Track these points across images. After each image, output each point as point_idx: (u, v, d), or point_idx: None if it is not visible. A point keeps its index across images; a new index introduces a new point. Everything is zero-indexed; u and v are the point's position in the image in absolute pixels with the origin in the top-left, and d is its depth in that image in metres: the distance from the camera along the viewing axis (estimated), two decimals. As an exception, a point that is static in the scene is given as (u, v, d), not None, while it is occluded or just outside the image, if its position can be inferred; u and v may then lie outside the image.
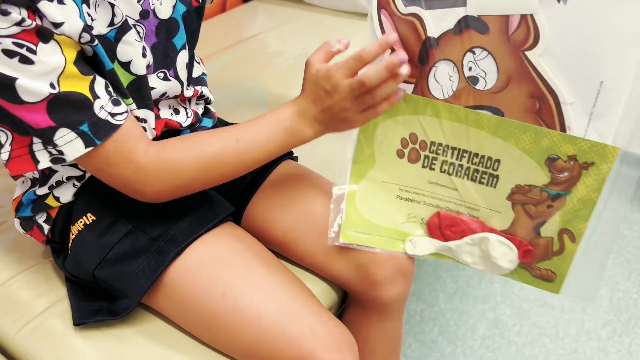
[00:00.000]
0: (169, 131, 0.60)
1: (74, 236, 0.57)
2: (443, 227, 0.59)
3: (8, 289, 0.60)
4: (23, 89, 0.45)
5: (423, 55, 0.53)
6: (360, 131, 0.57)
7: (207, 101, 0.67)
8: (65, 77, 0.46)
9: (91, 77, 0.48)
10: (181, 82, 0.58)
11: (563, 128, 0.51)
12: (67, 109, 0.46)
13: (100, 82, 0.48)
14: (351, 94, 0.50)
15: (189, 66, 0.60)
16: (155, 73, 0.56)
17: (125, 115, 0.49)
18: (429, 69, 0.54)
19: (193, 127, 0.63)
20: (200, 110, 0.65)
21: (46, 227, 0.60)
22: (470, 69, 0.52)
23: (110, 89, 0.50)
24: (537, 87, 0.50)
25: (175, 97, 0.59)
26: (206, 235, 0.56)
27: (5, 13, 0.42)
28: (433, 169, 0.57)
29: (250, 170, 0.56)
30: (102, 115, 0.48)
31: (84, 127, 0.47)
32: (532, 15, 0.49)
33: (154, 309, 0.58)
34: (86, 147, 0.47)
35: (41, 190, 0.57)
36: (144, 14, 0.53)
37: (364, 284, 0.60)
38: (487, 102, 0.53)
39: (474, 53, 0.52)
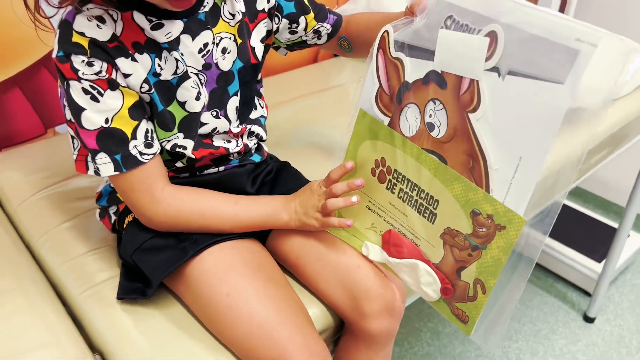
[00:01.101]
0: (220, 157, 0.73)
1: (125, 225, 0.72)
2: (391, 244, 0.67)
3: (83, 260, 0.75)
4: (86, 118, 0.60)
5: (399, 95, 0.62)
6: (350, 144, 0.68)
7: (260, 138, 0.78)
8: (118, 117, 0.61)
9: (137, 122, 0.62)
10: (229, 121, 0.71)
11: (488, 189, 0.56)
12: (110, 140, 0.61)
13: (142, 128, 0.63)
14: (322, 195, 0.66)
15: (239, 109, 0.72)
16: (210, 111, 0.69)
17: (151, 156, 0.63)
18: (401, 108, 0.62)
19: (242, 156, 0.75)
20: (251, 144, 0.76)
21: (113, 218, 0.75)
22: (430, 116, 0.60)
23: (149, 134, 0.64)
24: (473, 148, 0.56)
25: (225, 132, 0.72)
26: (224, 243, 0.67)
27: (91, 64, 0.58)
28: (393, 193, 0.65)
29: (240, 232, 0.69)
30: (134, 152, 0.62)
31: (117, 157, 0.62)
32: (478, 82, 0.54)
33: (179, 297, 0.70)
34: (115, 170, 0.62)
35: None
36: (207, 66, 0.67)
37: (355, 315, 0.67)
38: (437, 149, 0.60)
39: (434, 103, 0.59)
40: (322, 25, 0.77)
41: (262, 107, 0.79)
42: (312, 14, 0.76)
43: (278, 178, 0.79)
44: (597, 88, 0.49)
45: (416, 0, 0.60)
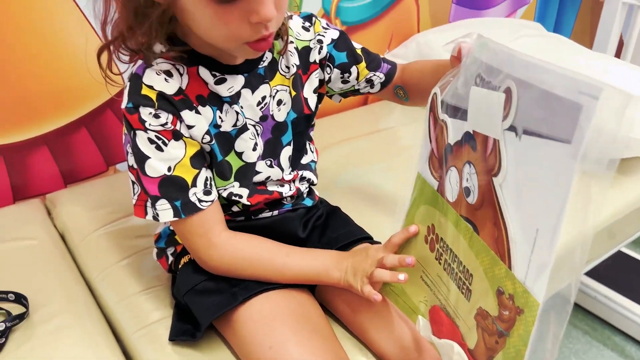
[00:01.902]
0: (274, 201, 0.74)
1: (181, 266, 0.74)
2: (434, 321, 0.62)
3: (138, 298, 0.78)
4: (150, 166, 0.63)
5: (444, 158, 0.59)
6: (409, 207, 0.65)
7: (311, 182, 0.79)
8: (180, 166, 0.64)
9: (197, 171, 0.65)
10: (282, 169, 0.73)
11: (510, 264, 0.49)
12: (171, 187, 0.63)
13: (202, 176, 0.65)
14: (375, 263, 0.65)
15: (292, 158, 0.74)
16: (264, 160, 0.71)
17: (209, 203, 0.65)
18: (446, 171, 0.59)
19: (295, 200, 0.76)
20: (303, 188, 0.77)
21: (171, 259, 0.76)
22: (466, 180, 0.55)
23: (208, 182, 0.66)
24: (497, 216, 0.51)
25: (278, 179, 0.73)
26: (273, 292, 0.68)
27: (157, 116, 0.61)
28: (440, 264, 0.60)
29: (289, 283, 0.69)
30: (193, 199, 0.64)
31: (177, 203, 0.64)
32: (498, 142, 0.49)
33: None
34: (174, 216, 0.64)
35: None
36: (264, 118, 0.70)
37: None
38: (470, 216, 0.55)
39: (469, 166, 0.54)
40: (374, 74, 0.78)
41: (313, 152, 0.80)
42: (364, 63, 0.77)
43: (328, 223, 0.80)
44: (600, 147, 0.42)
45: (458, 46, 0.59)
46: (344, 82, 0.77)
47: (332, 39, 0.74)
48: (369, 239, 0.78)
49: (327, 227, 0.79)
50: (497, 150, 0.50)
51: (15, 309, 0.73)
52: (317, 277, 0.69)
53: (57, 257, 0.87)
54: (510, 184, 0.49)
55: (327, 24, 0.75)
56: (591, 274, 1.49)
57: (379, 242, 0.81)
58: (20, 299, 0.75)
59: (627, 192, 1.05)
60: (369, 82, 0.79)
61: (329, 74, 0.76)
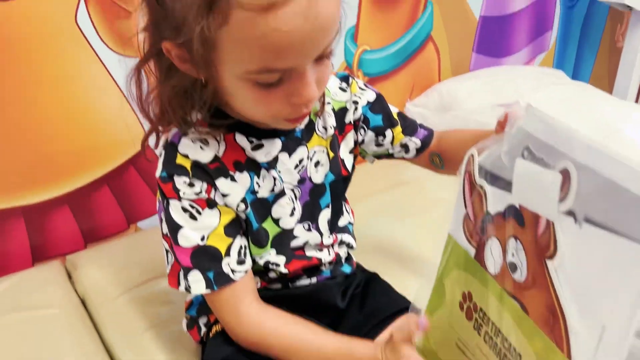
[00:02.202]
0: (311, 267, 0.71)
1: (212, 335, 0.70)
2: None
3: None
4: (183, 235, 0.60)
5: (483, 226, 0.54)
6: (438, 271, 0.61)
7: (350, 246, 0.76)
8: (214, 235, 0.61)
9: (231, 239, 0.62)
10: (321, 233, 0.70)
11: (569, 354, 0.45)
12: (204, 257, 0.61)
13: (236, 245, 0.62)
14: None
15: (331, 221, 0.71)
16: (302, 224, 0.68)
17: (242, 274, 0.62)
18: (485, 241, 0.54)
19: (333, 267, 0.73)
20: (342, 253, 0.74)
21: (203, 330, 0.72)
22: (512, 255, 0.51)
23: (242, 251, 0.63)
24: (552, 302, 0.47)
25: (317, 244, 0.70)
26: None
27: (192, 185, 0.59)
28: (479, 335, 0.56)
29: None
30: (226, 269, 0.61)
31: (210, 274, 0.61)
32: (553, 224, 0.45)
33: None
34: (206, 288, 0.61)
35: None
36: (301, 181, 0.67)
37: None
38: (517, 294, 0.50)
39: (515, 241, 0.50)
40: (410, 140, 0.75)
41: (348, 213, 0.77)
42: (399, 128, 0.74)
43: (368, 291, 0.75)
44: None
45: (506, 114, 0.55)
46: (378, 145, 0.75)
47: (368, 101, 0.72)
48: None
49: (366, 296, 0.75)
50: (551, 232, 0.46)
51: (36, 387, 0.69)
52: None
53: (79, 326, 0.83)
54: (569, 271, 0.45)
55: (364, 85, 0.73)
56: None
57: (421, 309, 0.77)
58: (41, 375, 0.70)
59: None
60: (404, 147, 0.76)
61: (362, 135, 0.73)
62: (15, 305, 0.85)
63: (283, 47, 0.48)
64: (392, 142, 0.75)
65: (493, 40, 1.59)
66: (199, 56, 0.50)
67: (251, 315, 0.63)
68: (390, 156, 0.78)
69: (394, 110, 0.75)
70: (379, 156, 0.78)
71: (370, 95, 0.72)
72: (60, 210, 1.00)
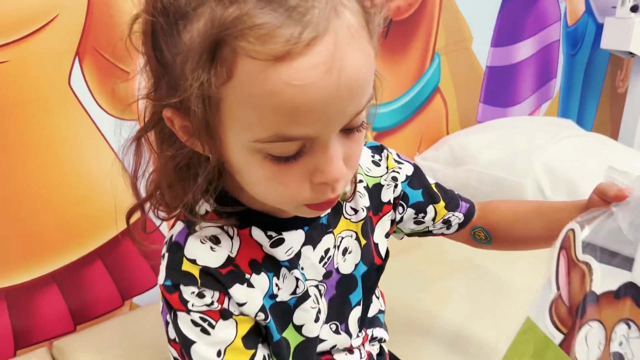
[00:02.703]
0: None
1: None
2: None
3: None
4: (195, 351, 0.51)
5: (581, 308, 0.49)
6: (506, 357, 0.54)
7: (382, 340, 0.68)
8: (231, 349, 0.51)
9: (252, 351, 0.53)
10: (350, 335, 0.61)
11: None
12: None
13: (259, 357, 0.53)
14: None
15: (361, 317, 0.62)
16: (328, 324, 0.59)
17: None
18: (581, 325, 0.49)
19: None
20: (374, 351, 0.66)
21: None
22: (620, 343, 0.46)
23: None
24: None
25: (345, 347, 0.61)
26: None
27: (201, 295, 0.49)
28: None
29: None
30: None
31: None
32: None
33: None
34: None
35: None
36: (327, 275, 0.58)
37: None
38: None
39: (628, 326, 0.46)
40: (453, 215, 0.67)
41: (379, 298, 0.68)
42: (442, 203, 0.66)
43: None
44: None
45: (613, 186, 0.49)
46: (418, 222, 0.66)
47: (407, 175, 0.64)
48: None
49: None
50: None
51: None
52: None
53: None
54: None
55: (399, 157, 0.65)
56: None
57: None
58: None
59: None
60: (446, 223, 0.67)
61: (401, 213, 0.64)
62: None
63: (300, 108, 0.38)
64: (433, 219, 0.66)
65: (499, 90, 1.56)
66: (199, 120, 0.41)
67: None
68: (427, 233, 0.69)
69: (432, 182, 0.67)
70: (414, 234, 0.69)
71: (408, 169, 0.64)
72: (47, 290, 0.89)
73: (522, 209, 0.65)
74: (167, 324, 0.54)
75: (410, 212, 0.64)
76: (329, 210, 0.57)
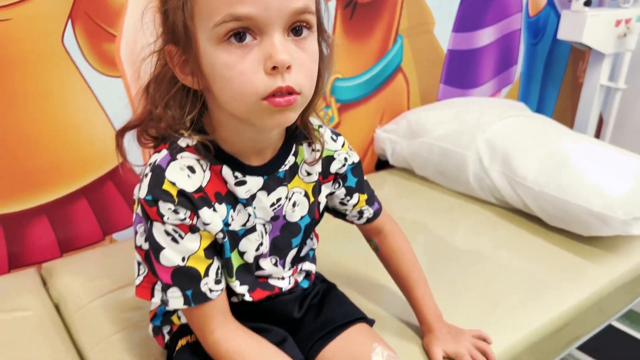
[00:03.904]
0: (274, 295, 0.74)
1: (178, 348, 0.73)
2: None
3: None
4: (164, 256, 0.63)
5: None
6: None
7: (308, 273, 0.80)
8: (194, 257, 0.64)
9: (210, 261, 0.65)
10: (284, 268, 0.75)
11: None
12: (184, 277, 0.64)
13: (214, 266, 0.66)
14: None
15: (294, 257, 0.76)
16: (269, 258, 0.73)
17: (219, 292, 0.66)
18: None
19: (291, 291, 0.77)
20: (301, 278, 0.79)
21: (167, 337, 0.76)
22: None
23: (219, 270, 0.67)
24: None
25: (279, 277, 0.75)
26: None
27: (176, 212, 0.61)
28: None
29: None
30: (204, 289, 0.64)
31: (188, 292, 0.64)
32: None
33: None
34: (184, 304, 0.64)
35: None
36: (275, 218, 0.71)
37: None
38: None
39: None
40: (367, 209, 0.81)
41: (312, 239, 0.81)
42: (365, 196, 0.80)
43: (324, 302, 0.80)
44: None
45: None
46: (342, 203, 0.80)
47: (353, 162, 0.78)
48: (363, 318, 0.80)
49: (322, 306, 0.80)
50: None
51: (7, 384, 0.73)
52: None
53: (51, 329, 0.87)
54: None
55: (350, 147, 0.78)
56: (585, 349, 1.49)
57: (373, 320, 0.83)
58: (12, 373, 0.74)
59: (612, 269, 1.08)
60: (360, 213, 0.81)
61: (336, 189, 0.78)
62: (-10, 308, 0.89)
63: None
64: (354, 206, 0.80)
65: (460, 73, 1.69)
66: (181, 30, 0.56)
67: (224, 332, 0.67)
68: (340, 215, 0.83)
69: (364, 178, 0.81)
70: (332, 211, 0.83)
71: (355, 158, 0.78)
72: (38, 220, 1.04)
73: (405, 283, 0.84)
74: (135, 233, 0.68)
75: (341, 191, 0.79)
76: (286, 167, 0.70)
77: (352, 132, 1.49)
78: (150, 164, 0.63)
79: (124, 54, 1.03)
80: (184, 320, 0.74)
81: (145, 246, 0.66)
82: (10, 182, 0.99)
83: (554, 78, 2.04)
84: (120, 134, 0.67)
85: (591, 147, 1.26)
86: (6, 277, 0.99)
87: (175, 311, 0.75)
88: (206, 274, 0.65)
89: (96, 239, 1.13)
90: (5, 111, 0.95)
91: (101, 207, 1.11)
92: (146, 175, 0.63)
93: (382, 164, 1.59)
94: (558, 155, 1.22)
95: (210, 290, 0.66)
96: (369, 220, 0.82)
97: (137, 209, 0.65)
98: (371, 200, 0.82)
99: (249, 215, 0.68)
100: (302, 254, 0.79)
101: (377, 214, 0.83)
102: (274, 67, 0.54)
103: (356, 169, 0.78)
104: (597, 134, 2.06)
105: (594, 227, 1.11)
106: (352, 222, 0.84)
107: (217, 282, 0.66)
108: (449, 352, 0.79)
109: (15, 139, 0.98)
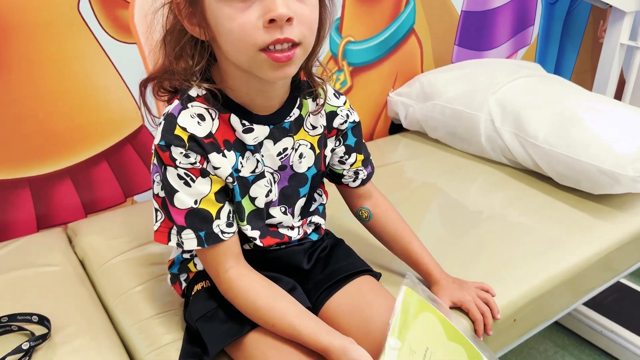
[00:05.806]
0: (282, 243, 0.78)
1: (194, 293, 0.77)
2: None
3: (151, 322, 0.82)
4: (178, 199, 0.67)
5: None
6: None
7: (318, 225, 0.83)
8: (205, 200, 0.68)
9: (221, 205, 0.69)
10: (293, 217, 0.78)
11: None
12: (197, 219, 0.67)
13: (225, 209, 0.69)
14: None
15: (303, 207, 0.79)
16: (279, 207, 0.76)
17: (231, 235, 0.69)
18: None
19: (301, 241, 0.80)
20: (310, 230, 0.82)
21: (184, 284, 0.80)
22: None
23: (231, 214, 0.70)
24: None
25: (288, 226, 0.78)
26: None
27: (187, 156, 0.65)
28: None
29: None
30: (216, 230, 0.68)
31: (202, 234, 0.68)
32: None
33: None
34: (197, 245, 0.68)
35: (186, 255, 0.80)
36: (282, 167, 0.74)
37: None
38: None
39: None
40: (362, 170, 0.84)
41: (321, 195, 0.85)
42: (362, 157, 0.83)
43: (332, 255, 0.84)
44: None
45: None
46: (340, 162, 0.83)
47: (355, 121, 0.81)
48: (369, 271, 0.83)
49: (330, 258, 0.83)
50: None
51: (38, 330, 0.79)
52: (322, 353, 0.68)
53: (77, 282, 0.92)
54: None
55: (351, 107, 0.81)
56: (592, 305, 1.51)
57: (380, 274, 0.86)
58: (43, 320, 0.80)
59: (621, 225, 1.09)
60: (356, 174, 0.84)
61: (336, 146, 0.81)
62: (20, 264, 0.95)
63: None
64: (351, 165, 0.83)
65: (475, 34, 1.68)
66: None
67: (233, 272, 0.70)
68: (337, 177, 0.85)
69: (362, 140, 0.84)
70: (329, 175, 0.86)
71: (357, 117, 0.81)
72: (63, 183, 1.09)
73: (403, 242, 0.86)
74: (153, 182, 0.72)
75: (341, 149, 0.82)
76: (292, 118, 0.73)
77: (365, 96, 1.50)
78: (164, 114, 0.68)
79: (137, 21, 1.06)
80: (200, 267, 0.79)
81: (162, 194, 0.71)
82: (35, 145, 1.04)
83: (573, 39, 2.00)
84: (143, 84, 0.71)
85: (602, 105, 1.25)
86: (35, 236, 1.05)
87: (191, 258, 0.80)
88: (217, 216, 0.69)
89: (118, 201, 1.18)
90: (27, 75, 0.99)
91: (122, 170, 1.16)
92: (160, 124, 0.67)
93: (395, 128, 1.61)
94: (568, 114, 1.22)
95: (222, 232, 0.69)
96: (363, 182, 0.85)
97: (154, 159, 0.70)
98: (366, 162, 0.85)
99: (257, 161, 0.72)
100: (312, 208, 0.82)
101: (369, 176, 0.86)
102: (272, 20, 0.57)
103: (356, 128, 0.81)
104: (619, 96, 2.03)
105: (604, 184, 1.12)
106: (346, 186, 0.86)
107: (229, 225, 0.70)
108: (455, 301, 0.82)
109: (37, 103, 1.02)
